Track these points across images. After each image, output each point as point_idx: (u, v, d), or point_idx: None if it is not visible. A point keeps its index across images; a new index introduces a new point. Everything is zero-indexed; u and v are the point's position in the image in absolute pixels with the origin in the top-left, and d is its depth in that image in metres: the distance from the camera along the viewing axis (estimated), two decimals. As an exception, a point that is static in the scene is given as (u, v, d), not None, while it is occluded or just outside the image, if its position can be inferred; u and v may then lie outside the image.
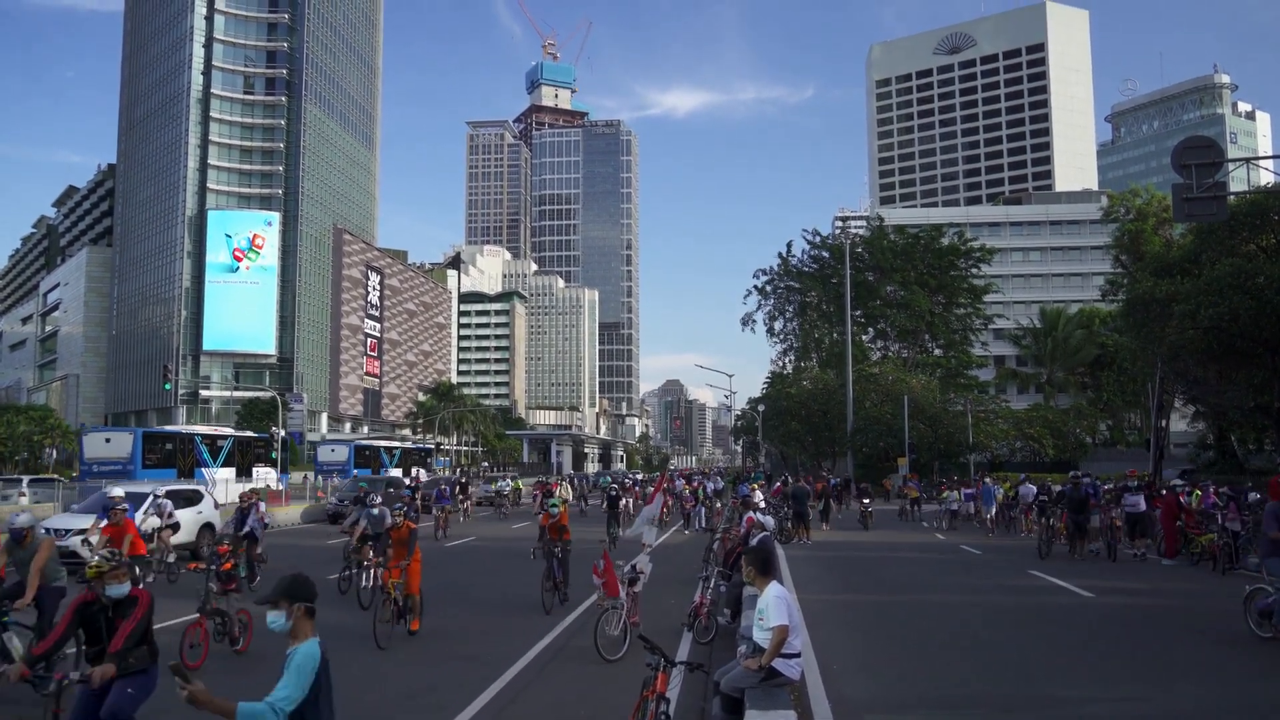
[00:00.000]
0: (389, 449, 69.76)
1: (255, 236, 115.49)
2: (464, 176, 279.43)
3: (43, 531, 12.13)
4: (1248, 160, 25.24)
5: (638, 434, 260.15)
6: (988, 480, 35.59)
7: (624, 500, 38.87)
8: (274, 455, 51.47)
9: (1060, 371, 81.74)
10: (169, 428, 48.56)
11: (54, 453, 78.62)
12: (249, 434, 55.96)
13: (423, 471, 64.78)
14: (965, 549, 26.04)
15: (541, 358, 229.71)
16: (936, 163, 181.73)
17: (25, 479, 43.44)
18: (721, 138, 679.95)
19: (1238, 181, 50.15)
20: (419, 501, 33.93)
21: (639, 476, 58.44)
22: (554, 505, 16.14)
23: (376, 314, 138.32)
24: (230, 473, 44.85)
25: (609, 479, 58.49)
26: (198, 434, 48.43)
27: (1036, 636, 13.36)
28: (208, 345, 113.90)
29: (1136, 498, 23.77)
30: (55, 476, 51.49)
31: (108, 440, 43.05)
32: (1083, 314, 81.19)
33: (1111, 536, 23.63)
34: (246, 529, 17.65)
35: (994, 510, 31.85)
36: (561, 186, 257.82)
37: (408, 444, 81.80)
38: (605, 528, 26.89)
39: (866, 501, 34.61)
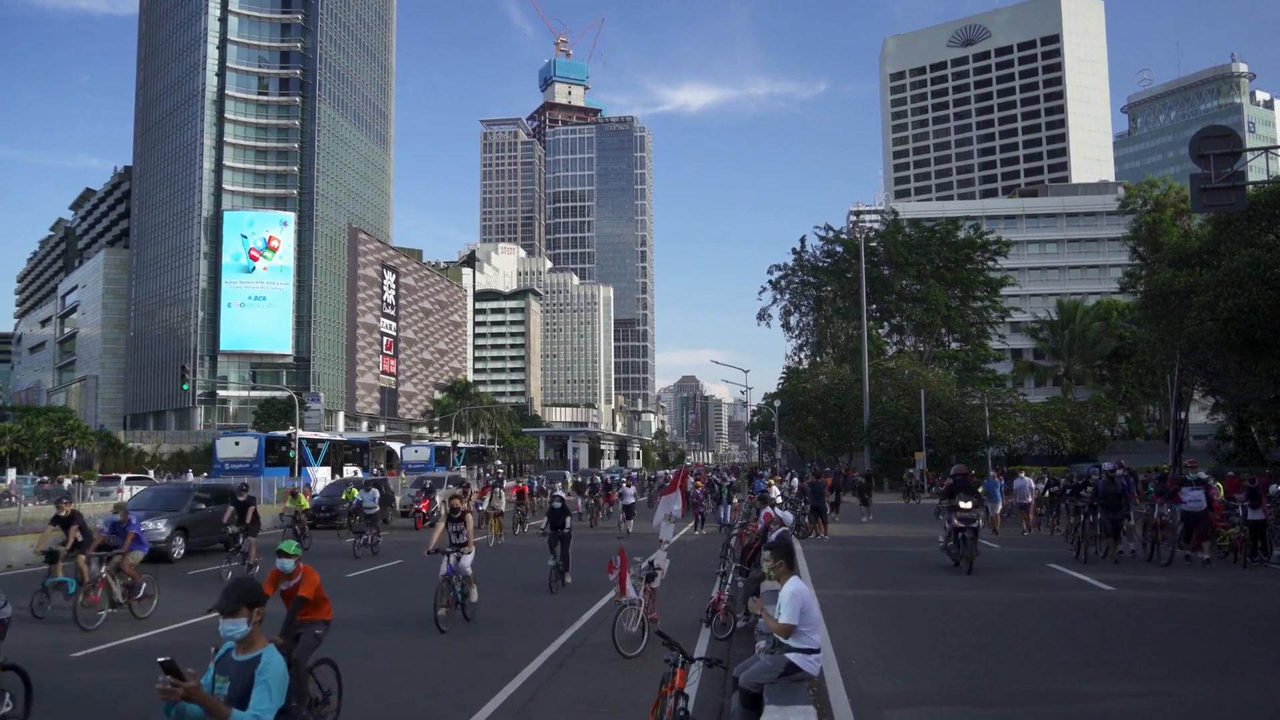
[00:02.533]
0: (457, 448, 76.61)
1: (271, 237, 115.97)
2: (478, 174, 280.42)
3: None
4: (1266, 149, 25.07)
5: (654, 430, 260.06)
6: (991, 474, 34.27)
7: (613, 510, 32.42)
8: (291, 454, 52.21)
9: (1078, 364, 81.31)
10: (282, 433, 56.35)
11: (74, 454, 79.20)
12: (340, 438, 64.36)
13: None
14: (983, 543, 25.87)
15: (557, 355, 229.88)
16: (951, 155, 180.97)
17: (123, 477, 50.09)
18: (734, 134, 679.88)
19: (1256, 171, 49.87)
20: (77, 544, 15.51)
21: (634, 474, 52.88)
22: (286, 553, 8.45)
23: (392, 313, 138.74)
24: (327, 471, 51.44)
25: (599, 476, 47.17)
26: (304, 438, 55.17)
27: (1055, 631, 13.28)
28: (224, 345, 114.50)
29: (1197, 493, 20.29)
30: (144, 474, 55.28)
31: (237, 443, 49.65)
32: (1100, 306, 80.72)
33: (1158, 537, 20.54)
34: None
35: (999, 507, 29.64)
36: (575, 184, 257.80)
37: (474, 445, 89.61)
38: (550, 555, 17.49)
39: (968, 508, 19.57)
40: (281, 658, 4.77)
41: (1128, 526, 21.58)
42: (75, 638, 12.97)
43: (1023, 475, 32.14)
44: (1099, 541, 20.97)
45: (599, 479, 41.83)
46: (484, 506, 27.02)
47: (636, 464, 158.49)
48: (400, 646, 12.28)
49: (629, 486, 33.11)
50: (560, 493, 19.78)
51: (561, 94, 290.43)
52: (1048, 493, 29.97)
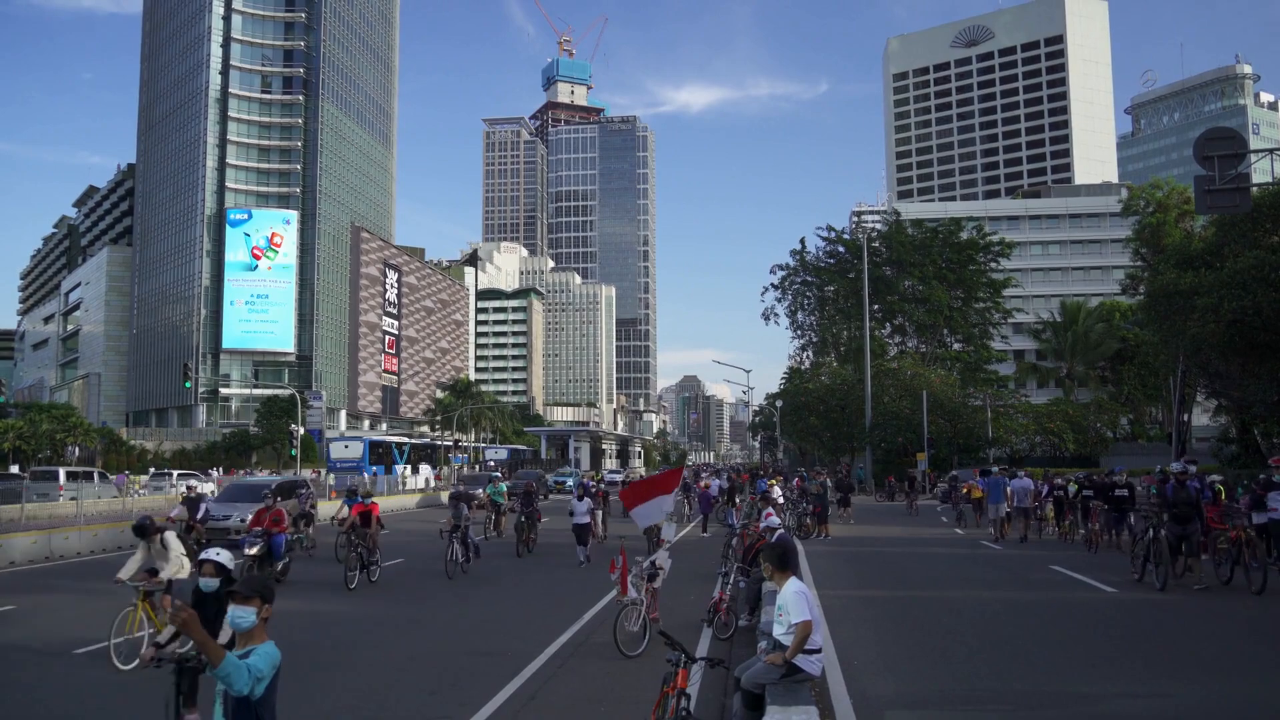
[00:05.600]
0: (521, 449, 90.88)
1: (274, 235, 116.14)
2: (480, 174, 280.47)
3: None
4: (1271, 151, 25.00)
5: (655, 430, 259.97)
6: (993, 470, 32.51)
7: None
8: (293, 453, 52.46)
9: (1080, 366, 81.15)
10: (377, 436, 66.34)
11: (76, 451, 79.28)
12: (415, 440, 73.36)
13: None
14: (985, 544, 25.88)
15: (559, 354, 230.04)
16: (954, 156, 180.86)
17: (175, 473, 56.52)
18: (736, 134, 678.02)
19: (1260, 173, 49.72)
20: None
21: (588, 480, 34.03)
22: None
23: (394, 311, 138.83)
24: (407, 468, 59.46)
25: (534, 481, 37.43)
26: (393, 441, 65.82)
27: (1057, 631, 13.26)
28: (227, 343, 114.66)
29: None
30: (191, 472, 61.66)
31: (346, 446, 56.88)
32: (1103, 307, 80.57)
33: (1244, 554, 16.29)
34: None
35: (1003, 509, 26.92)
36: (578, 183, 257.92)
37: (519, 447, 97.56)
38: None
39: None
40: (278, 651, 4.73)
41: (1199, 543, 17.09)
42: (75, 632, 12.66)
43: (1022, 474, 28.97)
44: (1165, 562, 16.69)
45: (534, 485, 30.28)
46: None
47: (638, 464, 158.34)
48: (400, 643, 12.26)
49: (581, 500, 21.78)
50: (218, 555, 7.85)
51: (564, 93, 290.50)
52: (1050, 498, 27.85)
